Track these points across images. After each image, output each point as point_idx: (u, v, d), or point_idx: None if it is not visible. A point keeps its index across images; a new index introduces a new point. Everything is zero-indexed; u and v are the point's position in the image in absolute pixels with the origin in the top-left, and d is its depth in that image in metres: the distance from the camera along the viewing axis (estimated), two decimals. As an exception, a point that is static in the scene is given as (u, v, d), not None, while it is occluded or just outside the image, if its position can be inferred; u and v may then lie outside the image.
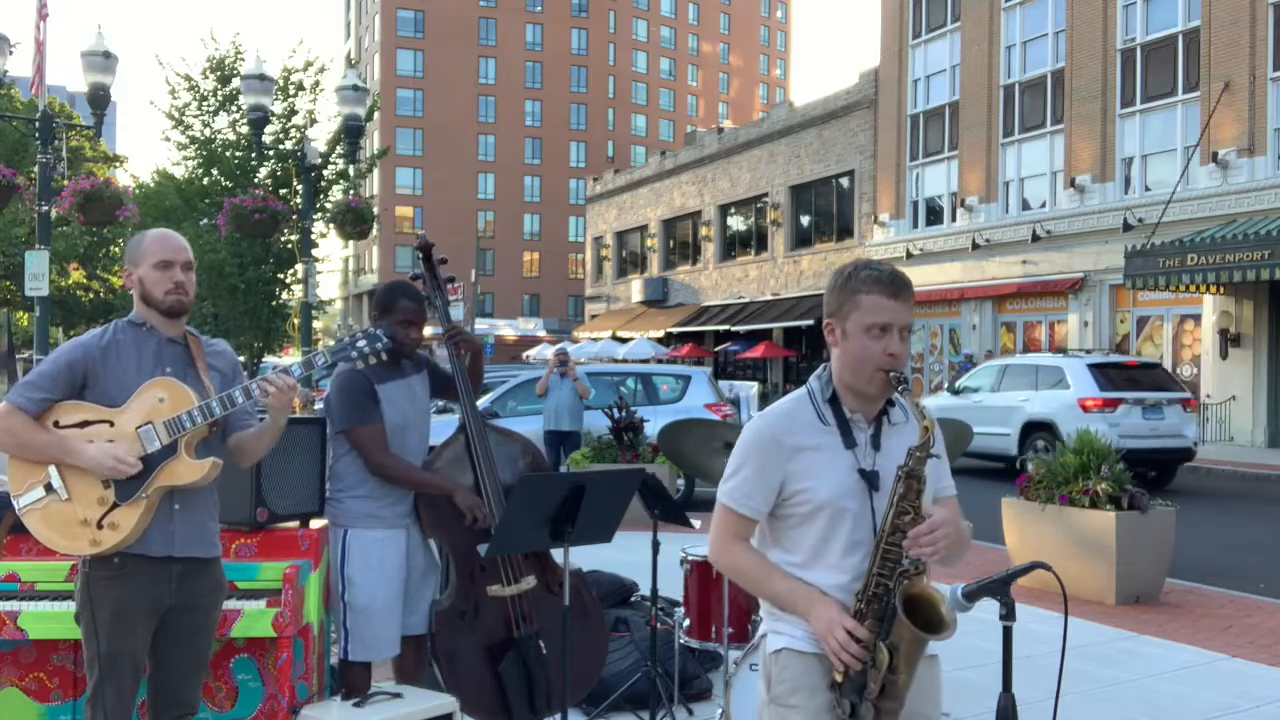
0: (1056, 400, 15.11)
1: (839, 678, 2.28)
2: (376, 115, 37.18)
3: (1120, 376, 15.30)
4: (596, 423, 12.08)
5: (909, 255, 29.70)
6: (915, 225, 30.40)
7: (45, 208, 10.65)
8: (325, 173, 23.65)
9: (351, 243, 56.75)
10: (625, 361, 30.59)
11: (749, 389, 21.89)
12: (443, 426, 4.65)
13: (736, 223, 40.08)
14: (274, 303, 26.75)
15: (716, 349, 39.53)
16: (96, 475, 2.96)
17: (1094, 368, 15.23)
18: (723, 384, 19.30)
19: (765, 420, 2.44)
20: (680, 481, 12.14)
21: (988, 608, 2.27)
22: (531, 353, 45.35)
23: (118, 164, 40.65)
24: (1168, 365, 23.56)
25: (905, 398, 2.39)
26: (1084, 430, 7.85)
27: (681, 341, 41.19)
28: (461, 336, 4.24)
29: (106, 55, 10.20)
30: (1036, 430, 15.27)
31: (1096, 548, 7.34)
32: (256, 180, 24.29)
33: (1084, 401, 14.73)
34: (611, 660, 4.76)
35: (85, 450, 2.95)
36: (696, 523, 4.80)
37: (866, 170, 32.20)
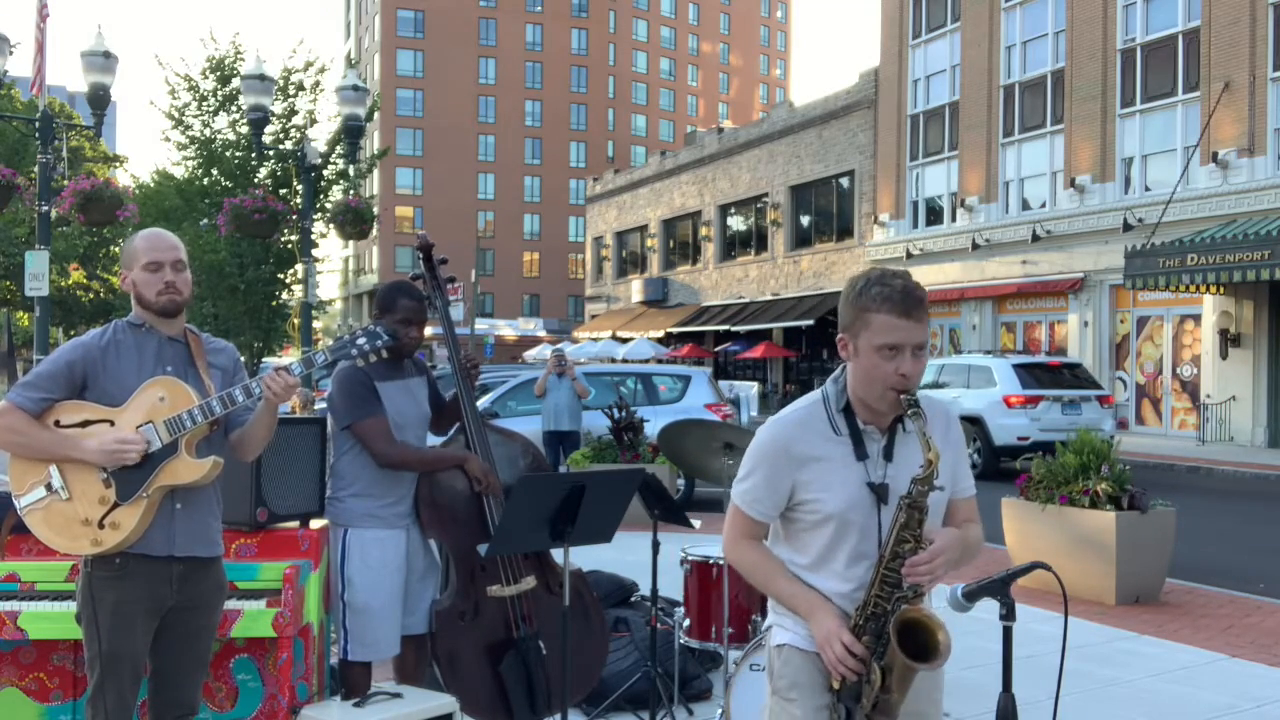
0: (985, 397, 16.57)
1: (836, 684, 2.32)
2: (376, 115, 37.18)
3: (1043, 375, 16.82)
4: (596, 423, 12.08)
5: (909, 255, 29.69)
6: (915, 225, 30.40)
7: (45, 208, 10.64)
8: (325, 173, 23.65)
9: (351, 243, 56.76)
10: (625, 362, 30.59)
11: (749, 389, 21.90)
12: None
13: (736, 223, 40.08)
14: (274, 303, 26.75)
15: (716, 349, 39.53)
16: (102, 465, 2.95)
17: (1019, 367, 16.76)
18: (723, 384, 19.31)
19: (777, 427, 2.43)
20: (680, 481, 12.13)
21: (988, 608, 2.27)
22: (531, 353, 45.34)
23: (118, 164, 40.70)
24: (1168, 365, 23.63)
25: (915, 422, 2.29)
26: (1083, 430, 7.85)
27: (681, 342, 41.19)
28: (475, 372, 4.27)
29: (106, 55, 10.20)
30: (968, 425, 16.47)
31: (1096, 548, 7.34)
32: (256, 180, 24.28)
33: (1008, 398, 16.32)
34: (611, 660, 4.76)
35: (85, 444, 2.95)
36: (696, 523, 4.81)
37: (866, 170, 32.20)
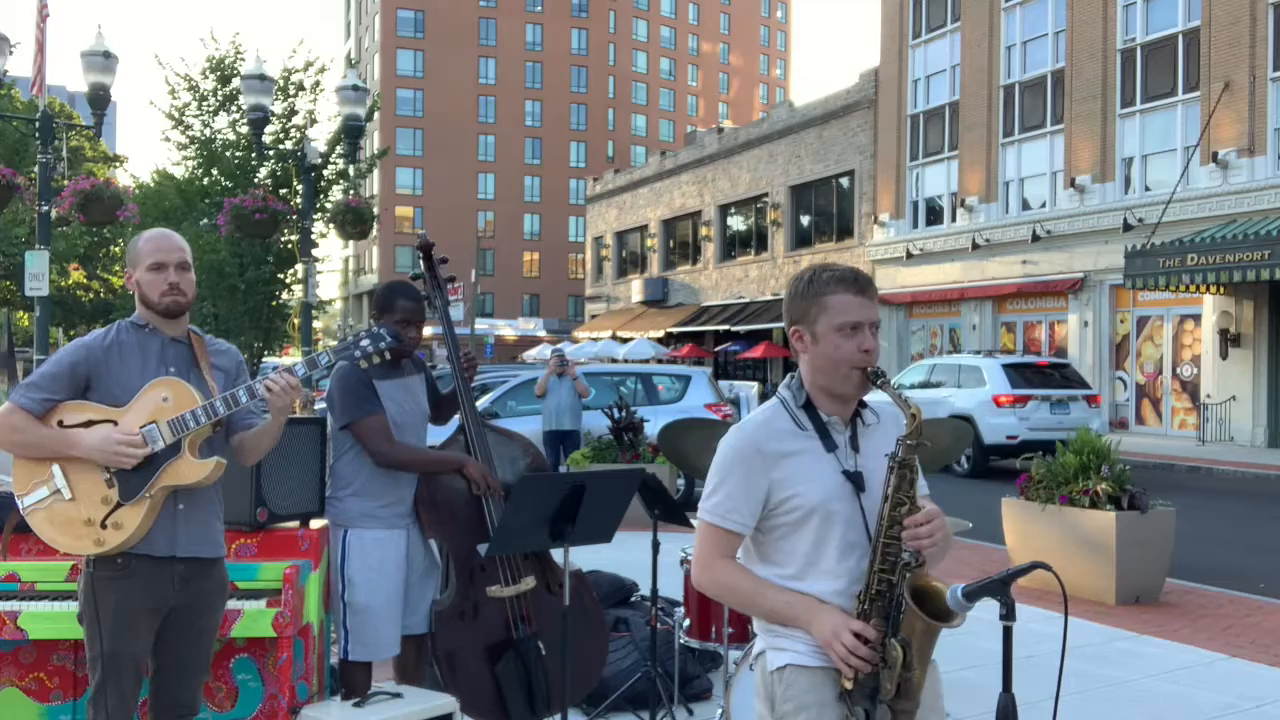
0: (975, 397, 16.83)
1: (848, 685, 2.23)
2: (376, 115, 37.18)
3: (1032, 375, 17.11)
4: (596, 423, 12.08)
5: (909, 255, 29.70)
6: (915, 225, 30.39)
7: (45, 208, 10.64)
8: (325, 173, 23.64)
9: (351, 243, 56.77)
10: (625, 361, 30.58)
11: (749, 389, 21.86)
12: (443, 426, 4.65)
13: (736, 223, 40.07)
14: (274, 303, 26.72)
15: (716, 349, 39.51)
16: (100, 463, 2.95)
17: (1008, 367, 17.03)
18: (723, 384, 19.31)
19: (743, 431, 2.38)
20: (680, 481, 12.14)
21: (988, 608, 2.26)
22: (531, 353, 45.32)
23: (118, 164, 40.66)
24: (1168, 365, 23.63)
25: (887, 390, 2.32)
26: (1082, 429, 7.86)
27: (681, 341, 41.17)
28: (473, 371, 4.28)
29: (106, 55, 10.20)
30: (959, 423, 16.70)
31: (1096, 548, 7.34)
32: (256, 180, 24.27)
33: (997, 398, 16.55)
34: (611, 660, 4.76)
35: (85, 440, 2.95)
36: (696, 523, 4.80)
37: (866, 170, 32.19)
